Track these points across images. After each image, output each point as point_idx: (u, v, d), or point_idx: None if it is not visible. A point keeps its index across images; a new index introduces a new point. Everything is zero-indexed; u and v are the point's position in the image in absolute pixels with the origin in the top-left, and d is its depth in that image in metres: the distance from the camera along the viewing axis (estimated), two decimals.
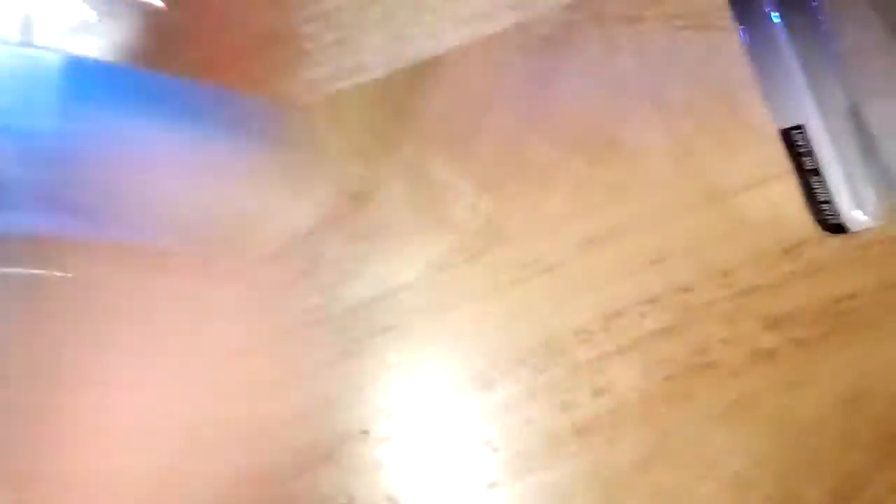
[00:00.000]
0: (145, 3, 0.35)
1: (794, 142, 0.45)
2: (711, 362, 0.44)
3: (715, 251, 0.44)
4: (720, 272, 0.44)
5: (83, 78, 0.32)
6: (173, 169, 0.33)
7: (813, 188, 0.44)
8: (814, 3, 0.44)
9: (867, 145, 0.44)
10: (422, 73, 0.45)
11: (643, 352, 0.43)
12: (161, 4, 0.35)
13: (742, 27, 0.46)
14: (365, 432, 0.43)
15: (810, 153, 0.44)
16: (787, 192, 0.45)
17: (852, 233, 0.43)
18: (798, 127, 0.44)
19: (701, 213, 0.45)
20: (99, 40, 0.35)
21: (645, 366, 0.43)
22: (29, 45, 0.33)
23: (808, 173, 0.44)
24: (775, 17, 0.44)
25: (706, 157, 0.45)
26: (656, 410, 0.43)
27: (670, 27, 0.46)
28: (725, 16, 0.46)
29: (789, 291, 0.44)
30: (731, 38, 0.46)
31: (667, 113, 0.45)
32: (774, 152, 0.45)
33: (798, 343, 0.44)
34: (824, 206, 0.44)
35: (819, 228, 0.44)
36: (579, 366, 0.43)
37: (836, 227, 0.44)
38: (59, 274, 0.31)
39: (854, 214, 0.44)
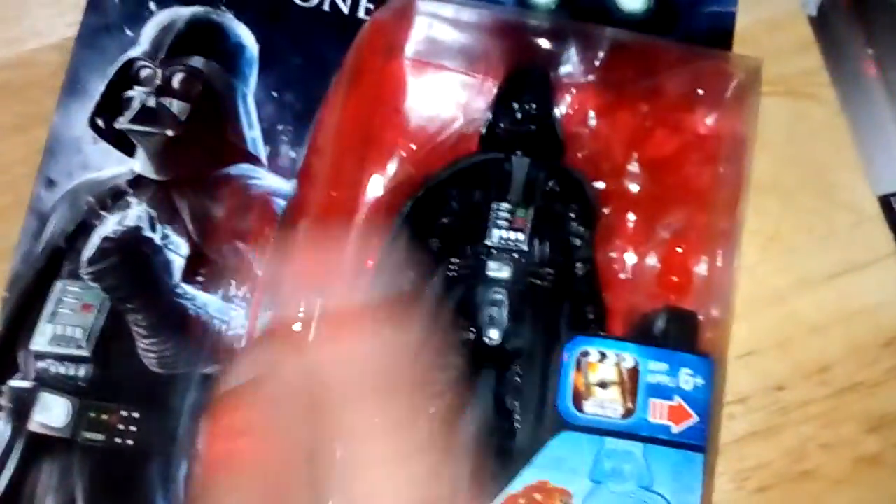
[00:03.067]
0: None
1: (894, 209, 0.41)
2: (810, 470, 0.39)
3: (809, 345, 0.40)
4: (816, 368, 0.39)
5: None
6: None
7: None
8: None
9: None
10: None
11: (733, 458, 0.38)
12: None
13: (839, 87, 0.42)
14: None
15: None
16: (886, 277, 0.40)
17: None
18: None
19: (792, 302, 0.40)
20: None
21: (736, 474, 0.38)
22: None
23: None
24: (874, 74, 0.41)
25: (795, 239, 0.41)
26: None
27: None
28: (816, 81, 0.42)
29: (892, 389, 0.39)
30: (822, 107, 0.42)
31: (753, 188, 0.40)
32: (871, 233, 0.41)
33: None
34: None
35: None
36: None
37: None
38: None
39: None
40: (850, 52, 0.43)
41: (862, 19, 0.43)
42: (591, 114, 0.37)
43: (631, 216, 0.37)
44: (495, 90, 0.37)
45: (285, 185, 0.38)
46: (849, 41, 0.43)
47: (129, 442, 0.36)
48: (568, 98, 0.37)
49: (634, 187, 0.37)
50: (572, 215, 0.36)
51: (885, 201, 0.41)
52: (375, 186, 0.37)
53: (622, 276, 0.36)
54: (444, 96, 0.38)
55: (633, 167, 0.36)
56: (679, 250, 0.36)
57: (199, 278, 0.38)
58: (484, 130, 0.37)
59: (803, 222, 0.41)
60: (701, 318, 0.35)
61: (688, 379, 0.33)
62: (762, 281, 0.40)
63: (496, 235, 0.35)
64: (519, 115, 0.36)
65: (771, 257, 0.40)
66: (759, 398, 0.39)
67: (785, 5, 0.43)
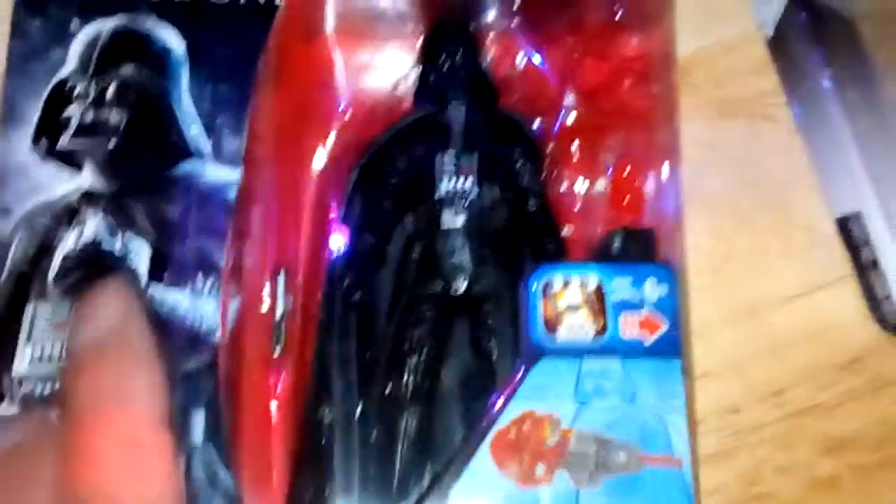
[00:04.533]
0: None
1: (850, 231, 0.42)
2: (765, 493, 0.39)
3: (764, 367, 0.40)
4: (771, 391, 0.39)
5: None
6: None
7: (872, 284, 0.41)
8: (874, 79, 0.42)
9: None
10: None
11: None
12: None
13: (796, 108, 0.42)
14: None
15: (867, 243, 0.42)
16: (844, 297, 0.40)
17: None
18: (855, 214, 0.42)
19: (747, 324, 0.40)
20: None
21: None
22: None
23: (866, 267, 0.42)
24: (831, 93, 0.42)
25: (751, 260, 0.41)
26: None
27: (709, 115, 0.42)
28: (772, 102, 0.42)
29: (849, 411, 0.39)
30: (778, 128, 0.42)
31: (707, 208, 0.41)
32: (828, 254, 0.41)
33: (859, 470, 0.39)
34: (885, 303, 0.41)
35: (881, 330, 0.40)
36: None
37: None
38: None
39: None
40: (806, 71, 0.44)
41: (819, 39, 0.44)
42: (519, 56, 0.38)
43: (574, 147, 0.37)
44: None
45: (233, 174, 0.39)
46: (806, 61, 0.44)
47: None
48: (494, 45, 0.38)
49: (572, 119, 0.37)
50: (516, 154, 0.37)
51: (842, 222, 0.42)
52: (319, 161, 0.37)
53: (575, 207, 0.36)
54: (372, 64, 0.38)
55: (569, 100, 0.37)
56: (625, 172, 0.36)
57: (165, 278, 0.38)
58: (415, 88, 0.37)
59: (759, 243, 0.41)
60: (655, 231, 0.36)
61: (652, 289, 0.34)
62: (717, 302, 0.40)
63: (445, 186, 0.36)
64: (446, 67, 0.37)
65: (726, 278, 0.40)
66: (714, 420, 0.39)
67: (740, 27, 0.43)
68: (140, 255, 0.39)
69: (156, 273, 0.39)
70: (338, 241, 0.36)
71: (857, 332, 0.40)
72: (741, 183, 0.41)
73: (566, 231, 0.36)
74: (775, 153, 0.42)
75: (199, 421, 0.37)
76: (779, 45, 0.44)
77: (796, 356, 0.40)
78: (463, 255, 0.35)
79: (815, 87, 0.44)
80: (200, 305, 0.38)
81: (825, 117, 0.44)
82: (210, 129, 0.40)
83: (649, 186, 0.37)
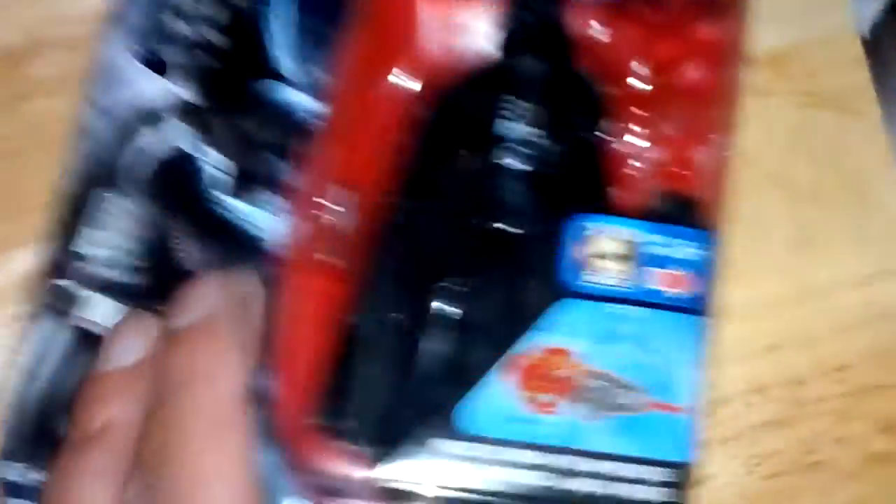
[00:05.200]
0: None
1: None
2: (821, 462, 0.40)
3: (832, 344, 0.42)
4: (835, 366, 0.41)
5: None
6: None
7: None
8: None
9: None
10: None
11: (747, 444, 0.40)
12: None
13: (884, 106, 0.44)
14: None
15: None
16: None
17: None
18: None
19: (820, 303, 0.42)
20: None
21: (748, 459, 0.40)
22: None
23: None
24: None
25: (830, 245, 0.43)
26: None
27: (801, 103, 0.45)
28: (863, 98, 0.44)
29: None
30: (866, 124, 0.44)
31: (792, 193, 0.43)
32: None
33: None
34: None
35: None
36: None
37: None
38: None
39: None
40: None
41: None
42: (598, 23, 0.39)
43: (635, 114, 0.38)
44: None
45: (315, 104, 0.41)
46: None
47: None
48: (575, 7, 0.39)
49: (639, 89, 0.38)
50: (579, 111, 0.38)
51: None
52: (394, 98, 0.39)
53: (626, 170, 0.37)
54: (455, 11, 0.40)
55: (639, 70, 0.38)
56: (680, 145, 0.38)
57: (239, 192, 0.40)
58: (495, 37, 0.39)
59: (837, 228, 0.43)
60: (699, 199, 0.37)
61: (685, 250, 0.35)
62: (793, 281, 0.42)
63: (507, 129, 0.37)
64: (528, 20, 0.39)
65: (803, 259, 0.43)
66: (778, 390, 0.41)
67: (838, 23, 0.45)
68: (218, 165, 0.41)
69: (227, 182, 0.41)
70: (399, 169, 0.37)
71: None
72: (824, 171, 0.44)
73: (615, 192, 0.37)
74: (860, 147, 0.44)
75: None
76: (874, 44, 0.46)
77: (863, 337, 0.42)
78: (513, 197, 0.37)
79: None
80: (261, 217, 0.40)
81: None
82: (298, 58, 0.42)
83: (700, 159, 0.37)
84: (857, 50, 0.45)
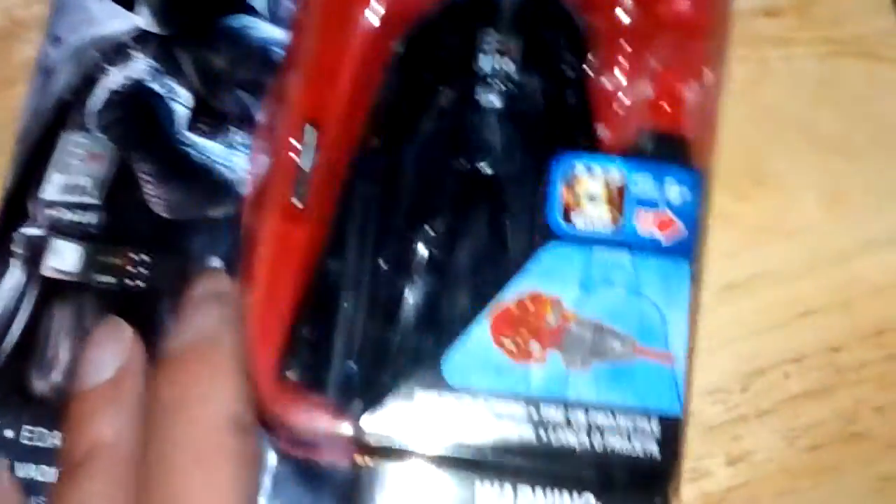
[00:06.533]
0: None
1: None
2: (862, 432, 0.38)
3: (869, 307, 0.40)
4: (874, 331, 0.39)
5: None
6: None
7: None
8: None
9: None
10: None
11: (785, 417, 0.38)
12: None
13: None
14: None
15: None
16: None
17: None
18: None
19: (855, 263, 0.40)
20: None
21: (787, 433, 0.38)
22: None
23: None
24: None
25: (863, 201, 0.41)
26: (798, 484, 0.38)
27: (827, 52, 0.42)
28: (889, 43, 0.42)
29: None
30: (894, 70, 0.42)
31: (821, 146, 0.41)
32: None
33: None
34: None
35: None
36: (712, 430, 0.38)
37: None
38: None
39: None
40: None
41: None
42: None
43: (621, 48, 0.37)
44: None
45: (282, 35, 0.39)
46: None
47: (141, 284, 0.37)
48: None
49: (625, 20, 0.37)
50: (563, 44, 0.37)
51: None
52: (364, 28, 0.37)
53: (614, 107, 0.36)
54: None
55: (625, 1, 0.37)
56: (668, 81, 0.36)
57: (203, 127, 0.39)
58: None
59: (870, 183, 0.41)
60: (688, 138, 0.36)
61: (674, 190, 0.34)
62: (825, 241, 0.40)
63: (486, 64, 0.36)
64: None
65: (835, 217, 0.40)
66: (815, 358, 0.39)
67: None
68: (182, 100, 0.39)
69: (194, 120, 0.39)
70: (374, 106, 0.36)
71: None
72: (853, 121, 0.41)
73: (601, 130, 0.36)
74: (890, 94, 0.42)
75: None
76: None
77: None
78: (494, 136, 0.35)
79: None
80: (233, 157, 0.39)
81: None
82: None
83: (691, 94, 0.36)
84: None
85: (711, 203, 0.38)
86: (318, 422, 0.33)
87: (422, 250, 0.34)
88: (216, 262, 0.38)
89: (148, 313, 0.37)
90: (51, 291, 0.38)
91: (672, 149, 0.35)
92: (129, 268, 0.38)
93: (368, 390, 0.33)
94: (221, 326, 0.33)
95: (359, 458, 0.33)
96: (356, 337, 0.34)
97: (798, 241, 0.40)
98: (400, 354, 0.33)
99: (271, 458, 0.36)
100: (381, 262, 0.34)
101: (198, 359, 0.32)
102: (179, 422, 0.30)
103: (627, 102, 0.36)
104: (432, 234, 0.34)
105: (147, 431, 0.31)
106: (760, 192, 0.41)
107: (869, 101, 0.42)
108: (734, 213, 0.40)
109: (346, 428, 0.33)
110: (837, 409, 0.38)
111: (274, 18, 0.40)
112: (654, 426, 0.33)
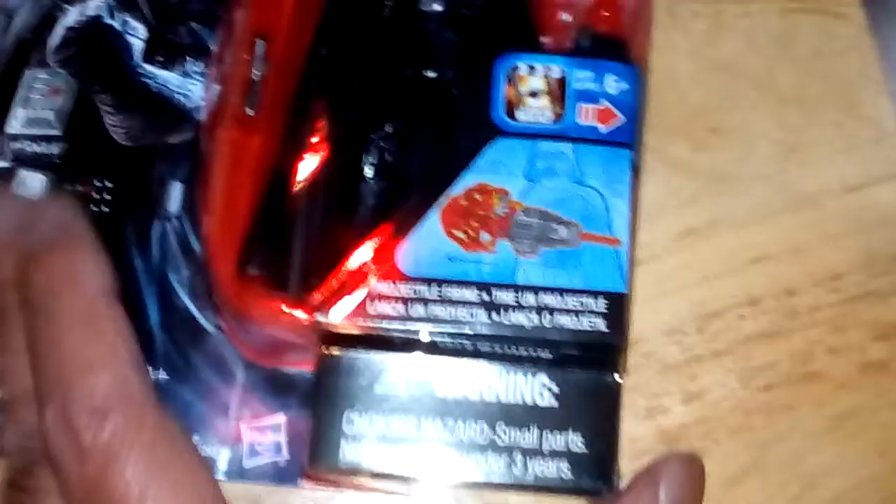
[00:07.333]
0: None
1: None
2: (816, 372, 0.40)
3: (823, 253, 0.41)
4: (828, 276, 0.41)
5: None
6: None
7: None
8: None
9: None
10: None
11: (740, 357, 0.40)
12: None
13: (868, 8, 0.44)
14: None
15: None
16: None
17: None
18: None
19: (809, 211, 0.42)
20: None
21: (742, 372, 0.40)
22: None
23: None
24: None
25: (817, 150, 0.43)
26: (752, 422, 0.39)
27: (783, 9, 0.44)
28: (846, 1, 0.44)
29: None
30: (850, 26, 0.44)
31: (777, 100, 0.43)
32: (891, 148, 0.42)
33: None
34: None
35: None
36: (669, 369, 0.40)
37: None
38: None
39: None
40: None
41: None
42: None
43: None
44: None
45: None
46: None
47: (105, 209, 0.38)
48: None
49: None
50: None
51: None
52: None
53: (552, 12, 0.38)
54: None
55: None
56: None
57: (159, 58, 0.40)
58: None
59: (824, 136, 0.43)
60: (625, 37, 0.37)
61: (614, 84, 0.36)
62: (780, 189, 0.42)
63: None
64: None
65: (790, 167, 0.42)
66: (770, 301, 0.40)
67: None
68: (137, 33, 0.41)
69: (150, 52, 0.41)
70: (320, 17, 0.37)
71: None
72: (810, 78, 0.43)
73: (543, 36, 0.37)
74: (845, 51, 0.44)
75: (176, 192, 0.40)
76: None
77: (854, 245, 0.41)
78: (438, 41, 0.37)
79: None
80: (189, 86, 0.40)
81: (894, 20, 0.44)
82: None
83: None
84: None
85: (669, 152, 0.41)
86: (280, 313, 0.34)
87: (374, 153, 0.35)
88: (176, 186, 0.39)
89: (113, 235, 0.38)
90: None
91: (609, 47, 0.37)
92: (93, 194, 0.39)
93: (326, 282, 0.34)
94: (74, 219, 0.33)
95: (323, 349, 0.34)
96: (313, 233, 0.35)
97: (755, 188, 0.42)
98: (356, 248, 0.34)
99: (238, 370, 0.37)
100: (334, 168, 0.35)
101: (63, 247, 0.31)
102: (59, 300, 0.30)
103: (566, 8, 0.37)
104: (383, 137, 0.35)
105: (29, 322, 0.31)
106: (718, 141, 0.42)
107: (825, 57, 0.44)
108: (692, 162, 0.42)
109: (306, 318, 0.34)
110: (792, 350, 0.40)
111: None
112: (601, 304, 0.34)
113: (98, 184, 0.39)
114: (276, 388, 0.38)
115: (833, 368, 0.40)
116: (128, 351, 0.30)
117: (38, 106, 0.40)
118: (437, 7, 0.37)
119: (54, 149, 0.40)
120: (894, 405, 0.39)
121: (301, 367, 0.37)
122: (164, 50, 0.41)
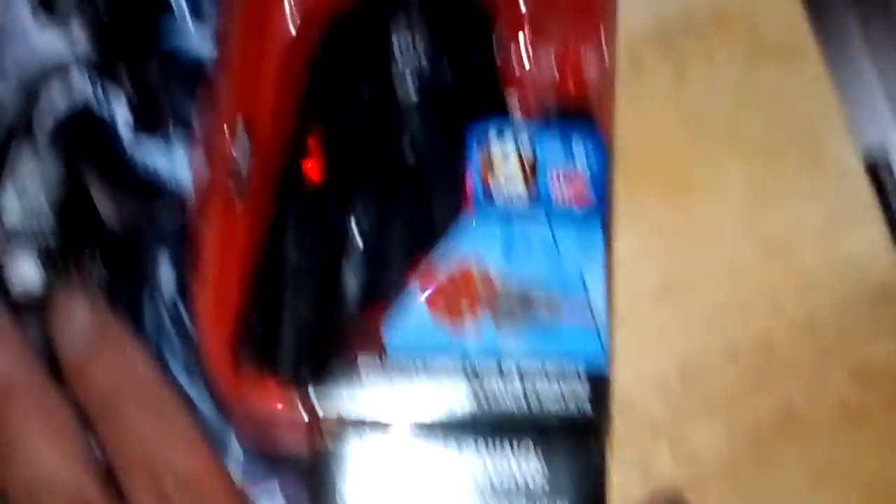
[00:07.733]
0: None
1: (877, 168, 0.44)
2: (799, 417, 0.40)
3: (797, 298, 0.42)
4: (804, 321, 0.41)
5: None
6: None
7: None
8: None
9: None
10: None
11: (725, 411, 0.40)
12: None
13: (825, 48, 0.44)
14: None
15: (892, 175, 0.44)
16: (874, 231, 0.42)
17: None
18: (881, 149, 0.44)
19: (782, 258, 0.42)
20: None
21: (728, 427, 0.40)
22: None
23: (891, 200, 0.43)
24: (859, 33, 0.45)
25: (785, 196, 0.43)
26: (741, 477, 0.40)
27: (746, 53, 0.45)
28: (802, 44, 0.45)
29: (878, 344, 0.41)
30: (808, 68, 0.44)
31: (743, 147, 0.43)
32: (858, 188, 0.43)
33: (889, 401, 0.40)
34: None
35: None
36: (656, 425, 0.40)
37: None
38: None
39: None
40: (835, 11, 0.46)
41: None
42: None
43: (523, 33, 0.40)
44: None
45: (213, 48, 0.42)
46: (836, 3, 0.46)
47: (98, 288, 0.40)
48: None
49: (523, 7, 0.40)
50: (469, 31, 0.39)
51: (868, 157, 0.44)
52: (283, 31, 0.40)
53: (520, 87, 0.39)
54: None
55: None
56: (567, 59, 0.39)
57: (145, 137, 0.41)
58: None
59: (789, 180, 0.43)
60: (591, 107, 0.39)
61: (582, 153, 0.37)
62: (749, 239, 0.42)
63: (400, 59, 0.39)
64: None
65: (758, 215, 0.43)
66: (748, 353, 0.41)
67: None
68: (123, 114, 0.42)
69: (136, 132, 0.42)
70: (300, 106, 0.39)
71: (885, 266, 0.42)
72: (774, 121, 0.44)
73: (512, 108, 0.39)
74: (805, 94, 0.44)
75: (167, 271, 0.41)
76: None
77: (826, 288, 0.42)
78: (416, 129, 0.38)
79: (844, 29, 0.46)
80: (177, 166, 0.41)
81: (852, 57, 0.46)
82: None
83: (592, 71, 0.39)
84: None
85: (640, 207, 0.41)
86: (273, 399, 0.35)
87: (356, 236, 0.37)
88: (168, 265, 0.41)
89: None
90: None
91: (577, 118, 0.38)
92: (85, 274, 0.40)
93: (317, 366, 0.35)
94: (104, 316, 0.35)
95: (316, 440, 0.35)
96: (303, 318, 0.36)
97: (726, 239, 0.42)
98: (344, 331, 0.36)
99: (237, 452, 0.39)
100: (319, 248, 0.37)
101: (105, 343, 0.34)
102: (127, 392, 0.33)
103: (532, 80, 0.39)
104: (364, 220, 0.37)
105: (97, 419, 0.33)
106: (687, 192, 0.43)
107: (784, 103, 0.44)
108: (663, 215, 0.43)
109: (299, 403, 0.35)
110: (774, 401, 0.41)
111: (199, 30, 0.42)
112: (585, 385, 0.35)
113: (90, 264, 0.40)
114: (270, 461, 0.39)
115: (812, 414, 0.40)
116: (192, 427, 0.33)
117: (26, 187, 0.41)
118: (412, 94, 0.38)
119: (43, 231, 0.40)
120: (875, 454, 0.40)
121: (294, 448, 0.37)
122: (146, 120, 0.42)
